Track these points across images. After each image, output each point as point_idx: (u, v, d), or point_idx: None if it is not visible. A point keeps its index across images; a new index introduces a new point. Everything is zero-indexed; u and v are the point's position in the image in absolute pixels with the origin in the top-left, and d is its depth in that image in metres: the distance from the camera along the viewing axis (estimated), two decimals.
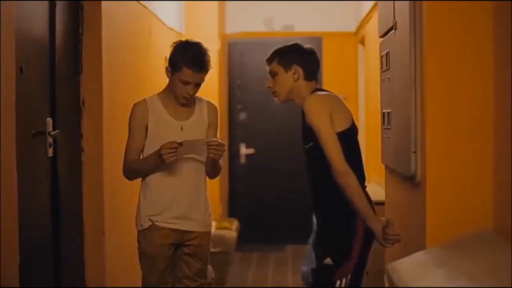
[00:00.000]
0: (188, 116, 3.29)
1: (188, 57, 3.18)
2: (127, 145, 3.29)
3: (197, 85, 3.23)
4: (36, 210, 3.11)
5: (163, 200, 3.26)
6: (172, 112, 3.27)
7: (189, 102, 3.28)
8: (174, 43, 3.28)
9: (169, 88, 3.29)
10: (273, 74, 3.08)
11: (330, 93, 3.03)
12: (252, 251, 7.38)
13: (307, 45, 3.14)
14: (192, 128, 3.28)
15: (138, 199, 3.33)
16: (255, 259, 7.15)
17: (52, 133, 3.17)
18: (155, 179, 3.26)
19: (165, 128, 3.24)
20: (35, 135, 3.03)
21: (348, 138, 2.94)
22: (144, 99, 3.32)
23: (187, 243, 3.30)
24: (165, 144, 3.07)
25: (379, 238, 2.89)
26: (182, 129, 3.26)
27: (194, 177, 3.30)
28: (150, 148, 3.22)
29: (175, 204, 3.26)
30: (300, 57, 3.06)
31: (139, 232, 3.30)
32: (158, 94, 3.34)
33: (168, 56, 3.29)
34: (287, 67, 3.04)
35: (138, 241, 3.31)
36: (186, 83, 3.18)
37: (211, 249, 5.72)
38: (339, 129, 2.90)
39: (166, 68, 3.26)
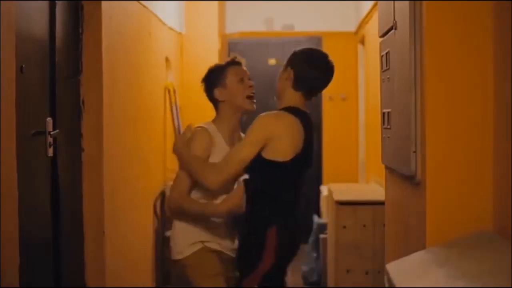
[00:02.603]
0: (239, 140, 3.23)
1: (225, 63, 3.22)
2: (181, 176, 3.10)
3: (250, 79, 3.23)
4: (36, 210, 3.11)
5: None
6: (227, 140, 3.20)
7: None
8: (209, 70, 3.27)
9: (223, 111, 3.23)
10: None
11: (295, 117, 3.01)
12: None
13: (325, 57, 3.11)
14: None
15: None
16: None
17: (52, 133, 3.16)
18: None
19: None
20: (35, 135, 3.03)
21: (284, 170, 2.97)
22: (206, 128, 3.19)
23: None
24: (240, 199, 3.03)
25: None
26: None
27: None
28: None
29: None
30: (298, 61, 3.05)
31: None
32: (213, 122, 3.26)
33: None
34: (286, 65, 3.06)
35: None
36: (242, 80, 3.19)
37: None
38: (275, 158, 2.93)
39: (213, 96, 3.21)
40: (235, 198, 3.08)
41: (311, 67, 3.06)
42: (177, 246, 3.16)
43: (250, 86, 3.20)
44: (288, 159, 2.97)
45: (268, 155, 2.96)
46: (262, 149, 2.96)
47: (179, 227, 3.16)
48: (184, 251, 3.14)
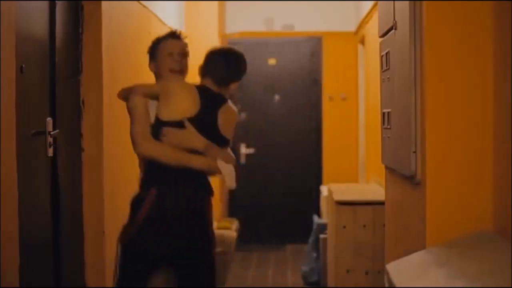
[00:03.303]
0: None
1: (163, 36, 3.33)
2: (140, 119, 3.19)
3: (180, 54, 3.31)
4: (36, 210, 3.11)
5: None
6: None
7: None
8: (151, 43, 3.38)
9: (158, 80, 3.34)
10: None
11: (194, 87, 3.21)
12: (252, 251, 7.38)
13: (226, 49, 3.42)
14: None
15: None
16: (255, 259, 7.15)
17: (52, 133, 3.17)
18: None
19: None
20: (35, 135, 3.03)
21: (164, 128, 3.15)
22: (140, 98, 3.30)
23: None
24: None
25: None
26: None
27: None
28: None
29: None
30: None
31: None
32: None
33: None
34: None
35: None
36: (170, 54, 3.24)
37: None
38: (163, 118, 3.12)
39: (150, 66, 3.34)
40: (212, 160, 3.17)
41: (209, 55, 3.35)
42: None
43: (177, 61, 3.24)
44: (176, 120, 3.13)
45: (159, 114, 3.14)
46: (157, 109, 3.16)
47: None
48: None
